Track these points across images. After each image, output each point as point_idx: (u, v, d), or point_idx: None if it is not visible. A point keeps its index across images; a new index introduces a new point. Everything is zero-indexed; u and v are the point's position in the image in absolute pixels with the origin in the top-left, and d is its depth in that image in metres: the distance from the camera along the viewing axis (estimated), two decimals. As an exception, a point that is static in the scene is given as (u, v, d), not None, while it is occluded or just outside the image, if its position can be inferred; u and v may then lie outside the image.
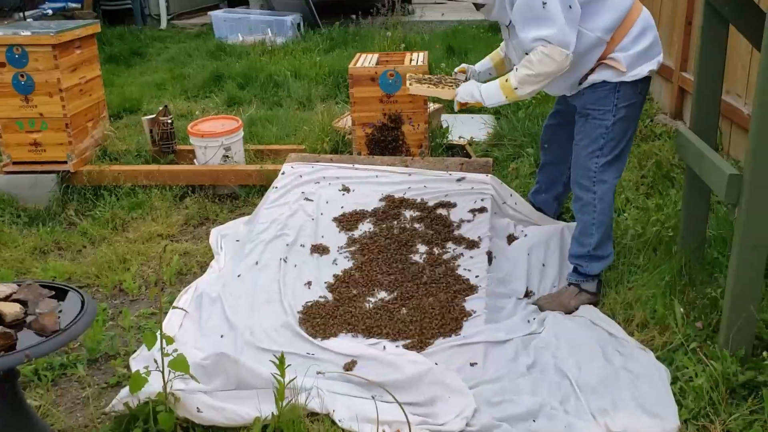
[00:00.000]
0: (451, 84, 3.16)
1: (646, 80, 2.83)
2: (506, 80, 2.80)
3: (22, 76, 3.94)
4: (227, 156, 4.29)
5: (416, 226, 3.24)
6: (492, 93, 2.86)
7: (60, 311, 1.97)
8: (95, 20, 4.63)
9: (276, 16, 9.36)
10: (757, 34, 2.34)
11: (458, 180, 3.48)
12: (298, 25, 9.27)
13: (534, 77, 2.72)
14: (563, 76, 2.76)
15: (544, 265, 3.09)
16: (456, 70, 3.32)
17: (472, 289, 2.86)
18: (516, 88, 2.77)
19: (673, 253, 2.93)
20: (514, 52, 2.94)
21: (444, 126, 4.75)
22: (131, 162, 4.41)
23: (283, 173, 3.63)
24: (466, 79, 3.19)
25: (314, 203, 3.38)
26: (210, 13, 9.99)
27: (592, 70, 2.79)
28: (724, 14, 2.59)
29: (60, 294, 2.05)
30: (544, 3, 2.61)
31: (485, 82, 3.01)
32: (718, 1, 2.57)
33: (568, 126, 3.07)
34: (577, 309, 2.86)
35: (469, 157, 4.16)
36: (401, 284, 2.90)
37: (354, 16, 9.65)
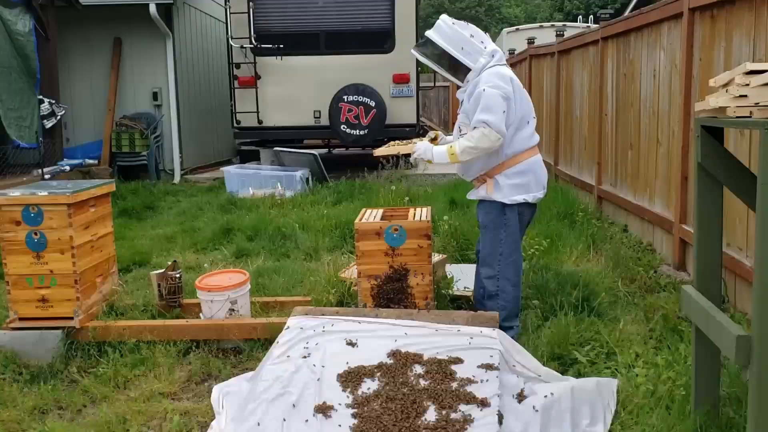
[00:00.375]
0: (412, 142, 4.06)
1: (528, 206, 3.83)
2: (451, 147, 3.74)
3: (35, 234, 4.04)
4: (233, 309, 4.29)
5: (423, 383, 3.18)
6: (440, 155, 3.81)
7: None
8: (111, 180, 4.81)
9: (286, 172, 9.73)
10: (750, 195, 2.41)
11: (466, 336, 3.45)
12: (307, 179, 9.61)
13: (472, 149, 3.65)
14: (472, 161, 3.77)
15: (556, 421, 2.99)
16: (430, 133, 4.17)
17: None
18: (457, 154, 3.71)
19: (687, 412, 2.85)
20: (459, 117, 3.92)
21: (449, 276, 4.78)
22: (137, 317, 4.42)
23: (287, 328, 3.62)
24: (433, 140, 4.10)
25: (318, 358, 3.34)
26: (222, 168, 10.41)
27: (483, 180, 3.84)
28: (716, 176, 2.68)
29: (56, 463, 1.99)
30: (503, 99, 3.62)
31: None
32: (709, 164, 2.67)
33: None
34: None
35: (475, 309, 4.16)
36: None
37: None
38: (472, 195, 3.97)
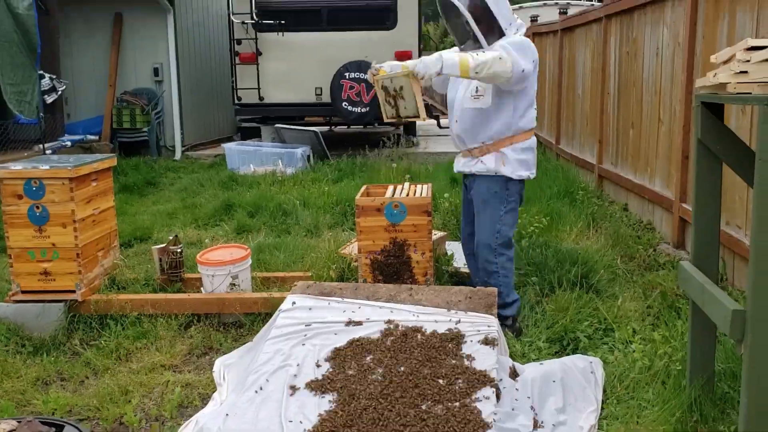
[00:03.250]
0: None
1: (522, 183, 3.81)
2: (465, 60, 3.38)
3: (37, 207, 4.06)
4: (234, 284, 4.32)
5: (422, 357, 3.21)
6: (451, 65, 3.41)
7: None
8: (113, 154, 4.81)
9: (287, 149, 9.73)
10: (750, 172, 2.42)
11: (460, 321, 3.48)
12: (308, 156, 9.61)
13: (483, 63, 3.37)
14: (485, 117, 3.69)
15: (547, 396, 3.03)
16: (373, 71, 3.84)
17: (485, 426, 2.79)
18: (470, 66, 3.37)
19: (683, 387, 2.88)
20: (462, 84, 3.76)
21: (448, 253, 4.80)
22: (138, 290, 4.45)
23: (287, 306, 3.64)
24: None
25: (318, 335, 3.37)
26: (224, 145, 10.40)
27: (489, 149, 3.75)
28: (716, 153, 2.69)
29: (60, 430, 2.02)
30: (527, 53, 3.53)
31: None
32: (709, 140, 2.67)
33: None
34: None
35: (474, 285, 4.18)
36: (411, 425, 2.82)
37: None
38: (472, 167, 3.84)
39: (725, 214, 4.29)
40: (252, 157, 9.59)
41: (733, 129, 3.89)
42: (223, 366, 3.54)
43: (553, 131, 9.68)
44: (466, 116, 3.78)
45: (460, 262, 4.78)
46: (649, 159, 5.93)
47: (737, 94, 2.33)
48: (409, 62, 3.51)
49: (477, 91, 3.73)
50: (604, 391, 3.15)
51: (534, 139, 3.86)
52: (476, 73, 3.41)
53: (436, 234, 4.79)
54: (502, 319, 3.70)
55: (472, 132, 3.78)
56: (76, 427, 2.01)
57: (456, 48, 3.88)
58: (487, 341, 3.26)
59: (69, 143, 9.74)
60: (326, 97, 10.52)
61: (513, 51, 3.47)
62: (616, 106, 6.91)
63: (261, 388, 3.02)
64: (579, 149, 8.40)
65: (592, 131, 7.71)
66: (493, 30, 3.62)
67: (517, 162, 3.75)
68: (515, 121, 3.71)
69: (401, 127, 12.30)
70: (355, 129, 13.22)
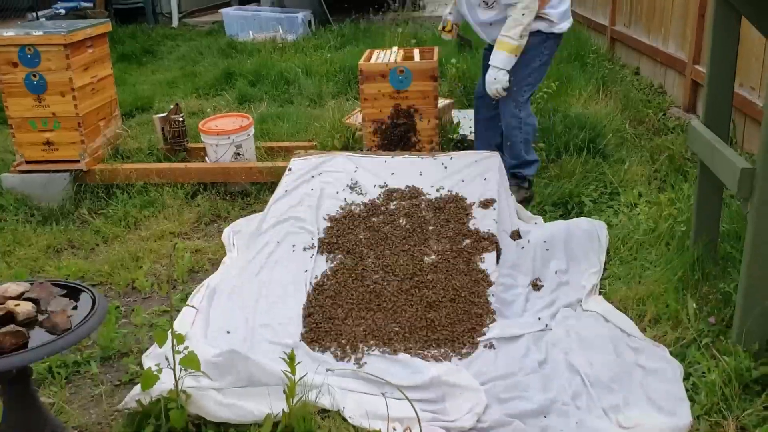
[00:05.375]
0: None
1: (560, 37, 3.68)
2: (508, 44, 3.46)
3: (34, 75, 3.97)
4: (238, 153, 4.30)
5: (425, 216, 3.24)
6: (508, 61, 3.49)
7: (74, 309, 1.98)
8: (107, 19, 4.64)
9: (287, 14, 9.38)
10: (769, 25, 2.31)
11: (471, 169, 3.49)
12: (309, 22, 9.28)
13: (525, 29, 3.44)
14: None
15: (550, 257, 3.09)
16: (444, 31, 4.08)
17: (486, 283, 2.85)
18: (519, 45, 3.46)
19: (686, 247, 2.91)
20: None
21: (455, 121, 4.73)
22: (143, 160, 4.44)
23: (290, 169, 3.64)
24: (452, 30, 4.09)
25: (321, 193, 3.39)
26: (221, 10, 10.03)
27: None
28: (735, 5, 2.56)
29: (72, 293, 2.07)
30: None
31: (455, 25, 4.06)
32: (730, -8, 2.53)
33: None
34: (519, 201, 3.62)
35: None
36: (414, 276, 2.89)
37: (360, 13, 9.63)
38: None
39: (739, 76, 4.16)
40: (251, 23, 9.27)
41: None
42: (232, 232, 3.58)
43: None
44: (488, 29, 3.68)
45: (466, 129, 4.72)
46: (664, 19, 5.70)
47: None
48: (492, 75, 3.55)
49: (486, 3, 3.59)
50: (608, 252, 3.19)
51: None
52: (524, 40, 3.48)
53: (443, 101, 4.70)
54: (519, 179, 3.73)
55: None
56: (90, 291, 2.05)
57: None
58: (487, 203, 3.27)
59: (62, 10, 9.41)
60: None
61: None
62: (631, -37, 6.56)
63: (271, 251, 3.07)
64: (591, 11, 8.08)
65: (606, -9, 7.38)
66: None
67: (560, 15, 3.58)
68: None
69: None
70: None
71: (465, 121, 4.63)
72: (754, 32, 3.52)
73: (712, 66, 2.66)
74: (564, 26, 3.63)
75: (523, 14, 3.41)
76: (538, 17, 3.52)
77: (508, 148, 3.75)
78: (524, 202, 3.72)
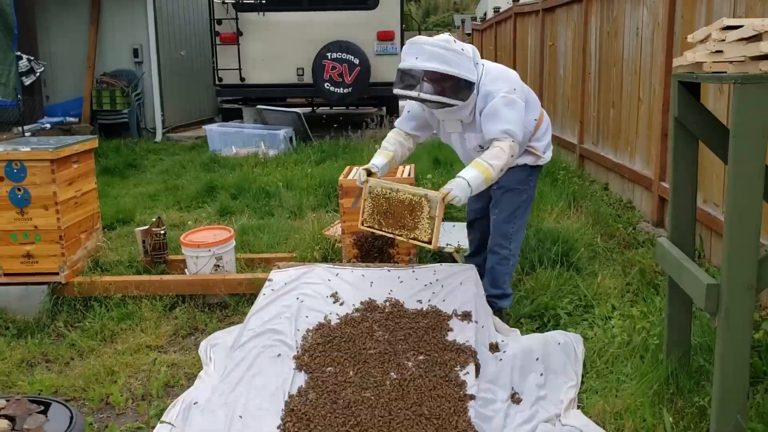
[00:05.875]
0: (419, 194, 3.31)
1: (543, 168, 3.79)
2: (488, 173, 3.28)
3: (19, 189, 4.04)
4: (218, 265, 4.34)
5: (403, 328, 3.25)
6: (478, 185, 3.28)
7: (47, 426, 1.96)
8: (94, 136, 4.79)
9: (269, 130, 9.69)
10: (725, 149, 2.47)
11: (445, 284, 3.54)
12: (291, 138, 9.58)
13: (506, 165, 3.36)
14: None
15: (528, 370, 3.10)
16: (363, 179, 3.48)
17: (466, 398, 2.84)
18: (494, 177, 3.33)
19: (660, 361, 2.96)
20: (465, 141, 3.62)
21: (432, 235, 4.84)
22: (122, 272, 4.45)
23: (270, 281, 3.68)
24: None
25: (299, 305, 3.41)
26: (205, 126, 10.34)
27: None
28: (692, 131, 2.74)
29: (48, 409, 2.05)
30: (513, 105, 3.38)
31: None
32: (686, 119, 2.72)
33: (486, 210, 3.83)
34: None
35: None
36: (393, 391, 2.87)
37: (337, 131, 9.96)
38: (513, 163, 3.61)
39: (703, 193, 4.37)
40: (234, 139, 9.55)
41: (711, 110, 3.94)
42: (209, 345, 3.56)
43: (534, 112, 9.72)
44: None
45: (443, 242, 4.82)
46: (629, 138, 6.00)
47: (713, 72, 2.37)
48: (444, 189, 3.26)
49: (481, 148, 3.52)
50: (584, 365, 3.22)
51: (546, 116, 3.74)
52: (501, 174, 3.36)
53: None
54: (495, 310, 3.63)
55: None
56: (64, 405, 2.03)
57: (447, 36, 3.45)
58: (465, 316, 3.31)
59: (48, 125, 9.65)
60: (308, 78, 10.48)
61: (509, 126, 3.32)
62: (596, 86, 6.95)
63: (249, 365, 3.05)
64: (560, 129, 8.46)
65: (574, 112, 7.77)
66: (461, 89, 3.33)
67: (543, 147, 3.68)
68: (529, 129, 3.58)
69: (384, 108, 12.29)
70: (337, 110, 13.18)
71: (443, 234, 4.74)
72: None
73: (675, 186, 2.82)
74: (548, 156, 3.73)
75: (507, 149, 3.31)
76: (526, 151, 3.60)
77: (491, 277, 3.71)
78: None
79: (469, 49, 3.42)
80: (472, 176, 3.26)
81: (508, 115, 3.34)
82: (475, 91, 3.39)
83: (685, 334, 2.91)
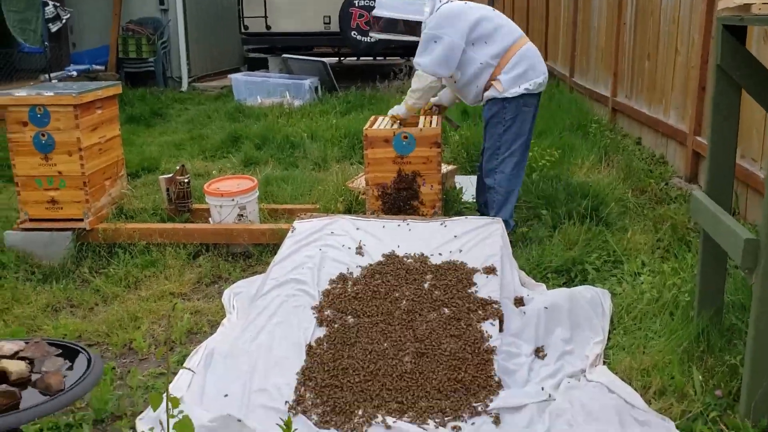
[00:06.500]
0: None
1: (530, 96, 3.86)
2: (405, 101, 4.09)
3: (43, 135, 4.02)
4: (242, 215, 4.31)
5: (427, 281, 3.21)
6: (399, 108, 4.13)
7: (69, 369, 1.95)
8: (117, 82, 4.74)
9: (294, 80, 9.57)
10: (769, 99, 2.34)
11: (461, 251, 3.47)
12: (316, 88, 9.46)
13: (414, 91, 4.01)
14: (466, 90, 3.98)
15: (554, 325, 3.04)
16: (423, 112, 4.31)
17: (489, 351, 2.80)
18: (407, 102, 4.08)
19: (690, 318, 2.87)
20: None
21: (457, 187, 4.76)
22: (147, 220, 4.45)
23: (293, 231, 3.64)
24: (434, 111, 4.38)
25: (323, 255, 3.38)
26: (230, 76, 10.25)
27: (486, 88, 3.88)
28: (735, 78, 2.60)
29: (68, 352, 2.04)
30: (435, 41, 3.82)
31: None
32: (729, 65, 2.58)
33: None
34: None
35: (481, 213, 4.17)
36: (415, 343, 2.84)
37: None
38: (484, 98, 4.01)
39: (740, 148, 4.20)
40: (259, 88, 9.46)
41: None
42: (233, 293, 3.56)
43: (567, 64, 9.46)
44: (462, 93, 4.10)
45: (469, 195, 4.75)
46: (665, 91, 5.80)
47: (763, 15, 2.23)
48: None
49: (452, 77, 3.97)
50: (612, 321, 3.16)
51: (524, 48, 3.88)
52: (413, 100, 4.04)
53: (446, 167, 4.74)
54: None
55: (466, 98, 4.10)
56: (86, 351, 2.02)
57: None
58: (490, 270, 3.25)
59: (74, 73, 9.64)
60: (335, 26, 10.28)
61: (420, 59, 3.89)
62: (632, 38, 6.71)
63: (271, 314, 3.04)
64: (593, 82, 8.23)
65: (607, 64, 7.53)
66: (414, 28, 4.03)
67: (510, 80, 3.82)
68: (489, 62, 3.84)
69: (412, 59, 12.07)
70: (364, 60, 12.98)
71: (470, 186, 4.66)
72: (754, 105, 3.57)
73: (714, 138, 2.69)
74: (516, 90, 3.81)
75: (415, 80, 3.98)
76: (490, 85, 3.86)
77: (488, 206, 4.04)
78: None
79: None
80: (398, 106, 4.15)
81: (419, 49, 3.90)
82: (424, 27, 3.94)
83: (717, 290, 2.82)
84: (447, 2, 3.93)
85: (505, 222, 3.82)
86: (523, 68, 3.83)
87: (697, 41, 5.00)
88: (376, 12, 4.16)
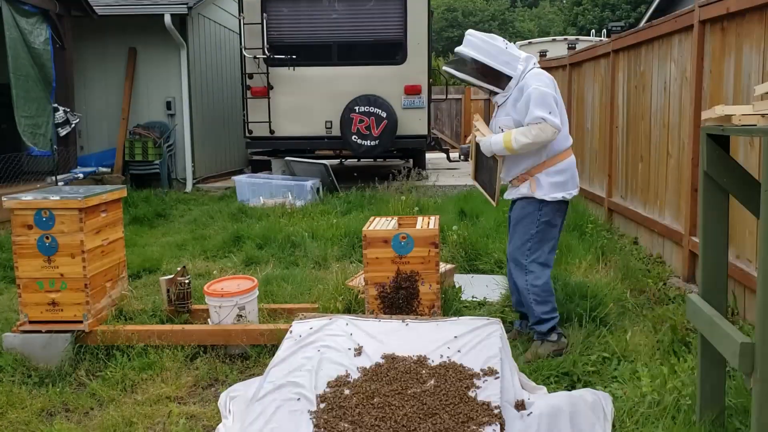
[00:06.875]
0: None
1: (565, 203, 3.98)
2: (508, 136, 3.84)
3: (47, 237, 4.09)
4: (241, 315, 4.31)
5: (425, 384, 3.18)
6: (497, 144, 3.90)
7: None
8: (123, 186, 4.85)
9: (297, 181, 9.78)
10: (756, 203, 2.41)
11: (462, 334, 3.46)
12: (318, 189, 9.65)
13: (530, 144, 3.78)
14: (511, 161, 3.96)
15: (555, 430, 2.99)
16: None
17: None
18: (513, 147, 3.82)
19: (692, 422, 2.83)
20: (492, 121, 4.11)
21: (456, 285, 4.79)
22: (145, 321, 4.45)
23: (291, 332, 3.64)
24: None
25: (320, 357, 3.35)
26: (234, 177, 10.47)
27: (523, 180, 3.96)
28: (722, 185, 2.68)
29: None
30: (555, 102, 3.78)
31: None
32: (715, 172, 2.67)
33: None
34: (546, 356, 3.87)
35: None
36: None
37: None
38: (512, 194, 4.10)
39: (735, 249, 4.27)
40: (262, 189, 9.65)
41: (741, 164, 3.88)
42: (229, 398, 3.51)
43: (562, 165, 9.68)
44: (504, 161, 4.02)
45: (467, 294, 4.77)
46: (659, 192, 5.92)
47: (742, 126, 2.33)
48: (487, 141, 3.99)
49: (501, 131, 3.97)
50: (614, 426, 3.10)
51: (571, 158, 3.98)
52: (521, 150, 3.83)
53: (444, 266, 4.78)
54: (539, 334, 3.96)
55: (507, 168, 4.03)
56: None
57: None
58: (490, 372, 3.23)
59: (81, 175, 9.84)
60: (336, 131, 10.61)
61: (544, 113, 3.73)
62: (624, 140, 6.92)
63: (267, 420, 3.00)
64: (588, 183, 8.41)
65: (602, 165, 7.72)
66: (500, 79, 3.94)
67: (550, 185, 3.90)
68: (543, 150, 3.88)
69: (411, 161, 12.37)
70: (364, 162, 13.29)
71: (468, 285, 4.68)
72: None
73: (705, 242, 2.75)
74: (555, 196, 3.89)
75: (536, 134, 3.74)
76: (529, 179, 3.91)
77: (526, 307, 4.01)
78: (555, 354, 3.90)
79: (516, 49, 4.00)
80: (496, 138, 3.91)
81: (538, 103, 3.75)
82: (513, 83, 3.91)
83: (718, 394, 2.80)
84: (536, 68, 3.97)
85: (547, 320, 3.91)
86: (565, 178, 3.94)
87: (687, 144, 5.16)
88: (463, 50, 3.95)
